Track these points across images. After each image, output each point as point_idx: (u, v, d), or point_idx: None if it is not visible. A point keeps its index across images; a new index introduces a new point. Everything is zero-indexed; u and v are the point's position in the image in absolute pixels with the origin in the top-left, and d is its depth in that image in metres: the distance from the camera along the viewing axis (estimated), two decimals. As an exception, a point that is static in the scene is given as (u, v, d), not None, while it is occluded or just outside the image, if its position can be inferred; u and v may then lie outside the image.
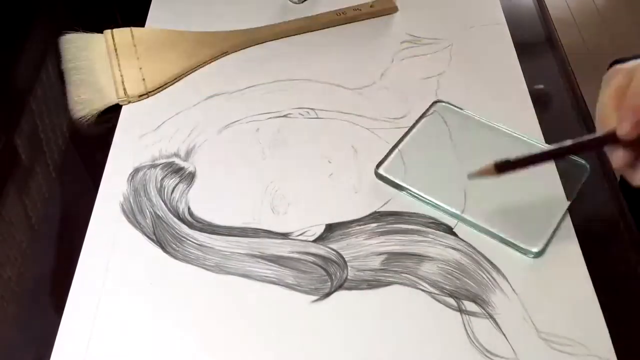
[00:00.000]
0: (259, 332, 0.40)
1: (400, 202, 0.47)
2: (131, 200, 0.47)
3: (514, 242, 0.43)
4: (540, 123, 0.51)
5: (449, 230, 0.45)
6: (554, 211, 0.45)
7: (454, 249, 0.44)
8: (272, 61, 0.57)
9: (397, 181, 0.47)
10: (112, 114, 0.53)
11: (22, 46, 0.61)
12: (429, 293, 0.42)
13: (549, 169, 0.47)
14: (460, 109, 0.52)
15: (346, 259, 0.43)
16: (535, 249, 0.43)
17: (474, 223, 0.44)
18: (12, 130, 0.54)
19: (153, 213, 0.46)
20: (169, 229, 0.45)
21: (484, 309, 0.41)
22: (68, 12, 0.65)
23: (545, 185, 0.46)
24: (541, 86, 0.55)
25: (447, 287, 0.42)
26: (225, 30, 0.60)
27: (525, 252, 0.43)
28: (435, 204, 0.46)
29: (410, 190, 0.46)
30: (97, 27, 0.62)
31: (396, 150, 0.49)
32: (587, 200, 0.46)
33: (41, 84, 0.57)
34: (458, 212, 0.45)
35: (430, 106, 0.52)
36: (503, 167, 0.39)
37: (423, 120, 0.51)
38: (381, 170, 0.48)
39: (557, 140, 0.39)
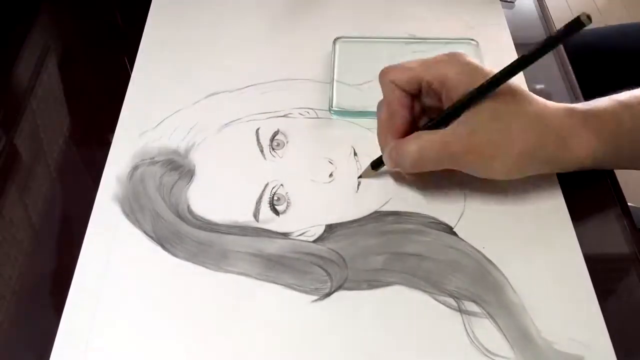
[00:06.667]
0: (259, 331, 0.40)
1: (400, 202, 0.47)
2: (130, 198, 0.47)
3: None
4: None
5: (449, 230, 0.45)
6: None
7: (454, 248, 0.44)
8: (273, 59, 0.57)
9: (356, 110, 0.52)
10: (113, 113, 0.53)
11: (22, 46, 0.61)
12: (429, 293, 0.42)
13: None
14: (359, 37, 0.58)
15: (346, 259, 0.43)
16: None
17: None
18: (12, 130, 0.53)
19: (152, 210, 0.46)
20: (168, 227, 0.45)
21: (484, 308, 0.41)
22: (68, 12, 0.65)
23: None
24: (541, 86, 0.55)
25: (447, 287, 0.42)
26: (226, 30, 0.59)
27: None
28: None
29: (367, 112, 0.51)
30: (97, 27, 0.62)
31: (334, 86, 0.54)
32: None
33: (41, 84, 0.57)
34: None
35: (334, 45, 0.57)
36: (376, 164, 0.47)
37: (336, 61, 0.56)
38: (335, 107, 0.52)
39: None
